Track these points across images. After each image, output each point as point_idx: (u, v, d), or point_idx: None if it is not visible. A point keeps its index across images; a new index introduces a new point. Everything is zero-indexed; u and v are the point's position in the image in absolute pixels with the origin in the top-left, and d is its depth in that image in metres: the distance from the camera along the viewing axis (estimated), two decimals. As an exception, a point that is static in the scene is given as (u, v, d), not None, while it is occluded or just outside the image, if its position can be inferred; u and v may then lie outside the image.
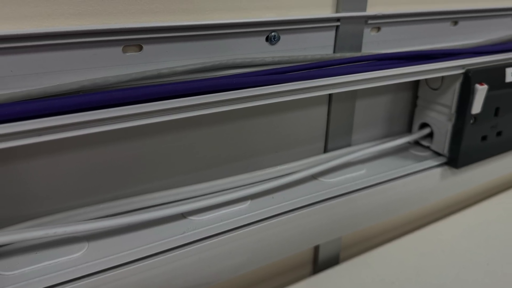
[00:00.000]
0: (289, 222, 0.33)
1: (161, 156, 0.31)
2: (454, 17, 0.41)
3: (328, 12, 0.34)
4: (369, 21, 0.35)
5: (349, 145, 0.41)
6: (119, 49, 0.26)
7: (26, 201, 0.27)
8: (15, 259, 0.26)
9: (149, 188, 0.32)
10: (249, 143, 0.35)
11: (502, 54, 0.40)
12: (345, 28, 0.34)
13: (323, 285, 0.40)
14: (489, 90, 0.38)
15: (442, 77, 0.39)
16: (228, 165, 0.35)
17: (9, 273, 0.25)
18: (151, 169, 0.31)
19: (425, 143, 0.43)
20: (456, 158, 0.41)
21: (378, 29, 0.37)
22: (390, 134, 0.45)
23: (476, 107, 0.39)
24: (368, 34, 0.36)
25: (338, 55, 0.34)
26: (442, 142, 0.41)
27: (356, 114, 0.40)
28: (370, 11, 0.36)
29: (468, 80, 0.38)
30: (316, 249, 0.44)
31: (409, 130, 0.45)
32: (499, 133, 0.43)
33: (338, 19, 0.34)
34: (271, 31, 0.31)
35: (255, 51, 0.31)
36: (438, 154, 0.42)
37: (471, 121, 0.39)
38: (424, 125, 0.43)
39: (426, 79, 0.42)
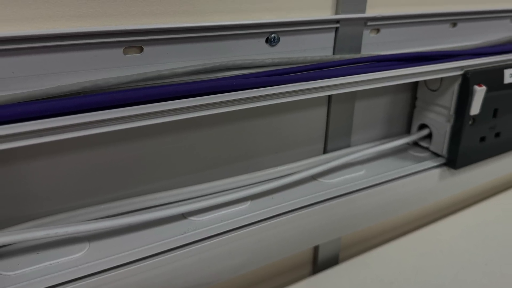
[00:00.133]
0: (288, 223, 0.33)
1: (162, 157, 0.31)
2: (453, 18, 0.41)
3: (328, 14, 0.35)
4: (369, 23, 0.36)
5: (348, 146, 0.42)
6: (119, 50, 0.26)
7: (27, 202, 0.27)
8: (16, 259, 0.26)
9: (149, 188, 0.32)
10: (249, 144, 0.35)
11: (500, 56, 0.40)
12: (345, 30, 0.35)
13: (322, 285, 0.40)
14: (487, 92, 0.38)
15: (441, 79, 0.40)
16: (228, 166, 0.35)
17: (10, 273, 0.25)
18: (151, 170, 0.31)
19: (424, 144, 0.44)
20: (454, 159, 0.41)
21: (378, 30, 0.37)
22: (389, 135, 0.45)
23: (475, 108, 0.39)
24: (368, 36, 0.36)
25: (338, 57, 0.34)
26: (441, 143, 0.41)
27: (356, 115, 0.41)
28: (370, 12, 0.36)
29: (467, 82, 0.38)
30: (316, 249, 0.44)
31: (408, 131, 0.46)
32: (497, 134, 0.43)
33: (337, 21, 0.34)
34: (271, 33, 0.31)
35: (255, 53, 0.31)
36: (437, 155, 0.43)
37: (470, 122, 0.40)
38: (423, 126, 0.43)
39: (425, 81, 0.42)
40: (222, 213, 0.32)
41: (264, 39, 0.31)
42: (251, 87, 0.28)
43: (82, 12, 0.25)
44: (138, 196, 0.31)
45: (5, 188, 0.26)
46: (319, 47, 0.34)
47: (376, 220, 0.40)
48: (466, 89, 0.38)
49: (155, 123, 0.25)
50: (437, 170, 0.41)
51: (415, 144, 0.45)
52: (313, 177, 0.38)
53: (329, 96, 0.38)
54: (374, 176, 0.38)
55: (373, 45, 0.37)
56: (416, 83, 0.43)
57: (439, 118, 0.41)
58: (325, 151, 0.40)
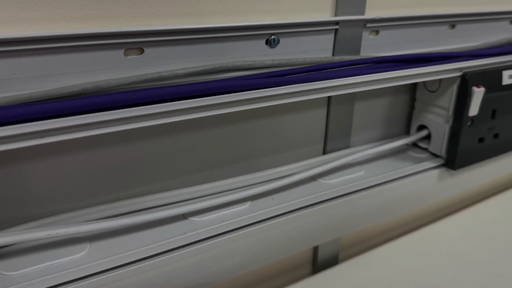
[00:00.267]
0: (288, 223, 0.33)
1: (162, 158, 0.32)
2: (452, 20, 0.41)
3: (327, 16, 0.35)
4: (368, 25, 0.36)
5: (347, 147, 0.42)
6: (120, 52, 0.26)
7: (28, 202, 0.28)
8: (18, 260, 0.26)
9: (150, 189, 0.32)
10: (249, 145, 0.35)
11: (499, 57, 0.40)
12: (344, 32, 0.35)
13: (322, 285, 0.40)
14: (486, 93, 0.39)
15: (440, 80, 0.40)
16: (228, 167, 0.35)
17: (12, 273, 0.25)
18: (152, 170, 0.31)
19: (423, 145, 0.44)
20: (453, 160, 0.41)
21: (377, 32, 0.37)
22: (388, 136, 0.45)
23: (473, 110, 0.39)
24: (367, 37, 0.37)
25: (337, 58, 0.34)
26: (440, 144, 0.41)
27: (355, 116, 0.41)
28: (369, 14, 0.36)
29: (465, 83, 0.38)
30: (315, 249, 0.45)
31: (407, 132, 0.46)
32: (496, 135, 0.43)
33: (337, 23, 0.34)
34: (271, 34, 0.32)
35: (255, 54, 0.31)
36: (435, 155, 0.43)
37: (468, 123, 0.40)
38: (422, 127, 0.43)
39: (424, 82, 0.42)
40: (222, 214, 0.32)
41: (264, 41, 0.32)
42: (251, 89, 0.28)
43: (83, 14, 0.25)
44: (139, 196, 0.31)
45: (6, 188, 0.27)
46: (319, 49, 0.34)
47: (375, 221, 0.40)
48: (464, 90, 0.38)
49: (156, 124, 0.25)
50: (436, 171, 0.42)
51: (414, 145, 0.45)
52: (313, 178, 0.38)
53: (329, 97, 0.38)
54: (374, 177, 0.38)
55: (372, 46, 0.37)
56: (415, 84, 0.43)
57: (438, 119, 0.41)
58: (324, 152, 0.40)
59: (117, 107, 0.24)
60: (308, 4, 0.33)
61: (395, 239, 0.47)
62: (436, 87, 0.41)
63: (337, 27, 0.34)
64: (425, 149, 0.44)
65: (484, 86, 0.38)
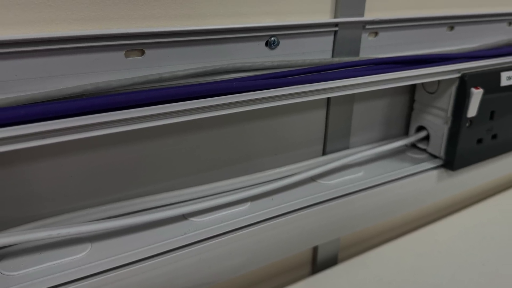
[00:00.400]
0: (288, 224, 0.33)
1: (163, 159, 0.32)
2: (450, 22, 0.42)
3: (327, 18, 0.35)
4: (367, 26, 0.36)
5: (347, 147, 0.42)
6: (121, 53, 0.27)
7: (30, 203, 0.28)
8: (19, 260, 0.26)
9: (151, 190, 0.32)
10: (249, 145, 0.35)
11: (497, 59, 0.41)
12: (343, 33, 0.35)
13: (321, 285, 0.41)
14: (484, 94, 0.39)
15: (439, 81, 0.40)
16: (228, 168, 0.35)
17: (13, 273, 0.25)
18: (152, 171, 0.32)
19: (421, 145, 0.44)
20: (452, 161, 0.41)
21: (376, 34, 0.37)
22: (388, 137, 0.45)
23: (472, 111, 0.39)
24: (366, 39, 0.37)
25: (337, 60, 0.34)
26: (439, 144, 0.42)
27: (354, 117, 0.41)
28: (368, 16, 0.36)
29: (464, 84, 0.38)
30: (315, 249, 0.45)
31: (406, 133, 0.46)
32: (494, 136, 0.43)
33: (336, 24, 0.34)
34: (271, 36, 0.32)
35: (255, 56, 0.32)
36: (434, 156, 0.43)
37: (467, 124, 0.40)
38: (420, 128, 0.44)
39: (422, 83, 0.42)
40: (222, 214, 0.32)
41: (264, 42, 0.32)
42: (251, 90, 0.28)
43: (84, 15, 0.26)
44: (140, 197, 0.31)
45: (8, 189, 0.27)
46: (318, 50, 0.35)
47: (374, 221, 0.40)
48: (463, 92, 0.38)
49: (156, 125, 0.25)
50: (435, 172, 0.42)
51: (413, 146, 0.45)
52: (312, 179, 0.38)
53: (328, 98, 0.38)
54: (373, 178, 0.38)
55: (372, 48, 0.37)
56: (414, 85, 0.44)
57: (436, 120, 0.41)
58: (324, 153, 0.41)
59: (118, 108, 0.24)
60: (308, 6, 0.33)
61: (394, 239, 0.48)
62: (435, 88, 0.41)
63: (336, 28, 0.35)
64: (424, 150, 0.44)
65: (482, 87, 0.39)
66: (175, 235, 0.29)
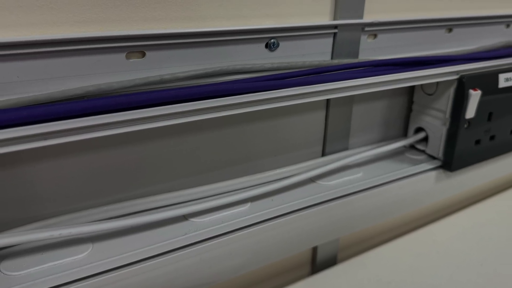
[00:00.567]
0: (288, 224, 0.34)
1: (163, 160, 0.32)
2: (449, 24, 0.42)
3: (326, 20, 0.35)
4: (366, 28, 0.36)
5: (346, 149, 0.42)
6: (122, 55, 0.27)
7: (32, 203, 0.28)
8: (21, 260, 0.26)
9: (151, 190, 0.32)
10: (249, 147, 0.36)
11: (495, 60, 0.41)
12: (343, 35, 0.35)
13: (321, 285, 0.41)
14: (482, 96, 0.39)
15: (437, 83, 0.40)
16: (228, 168, 0.35)
17: (15, 274, 0.25)
18: (153, 172, 0.32)
19: (420, 147, 0.44)
20: (450, 162, 0.41)
21: (375, 36, 0.38)
22: (386, 138, 0.45)
23: (470, 112, 0.39)
24: (365, 41, 0.37)
25: (336, 62, 0.34)
26: (437, 146, 0.42)
27: (353, 118, 0.41)
28: (367, 18, 0.36)
29: (462, 86, 0.38)
30: (314, 250, 0.45)
31: (404, 134, 0.46)
32: (492, 137, 0.43)
33: (335, 26, 0.35)
34: (271, 38, 0.32)
35: (254, 58, 0.32)
36: (433, 157, 0.43)
37: (465, 126, 0.40)
38: (419, 130, 0.44)
39: (421, 85, 0.42)
40: (222, 215, 0.32)
41: (263, 44, 0.32)
42: (251, 91, 0.28)
43: (85, 17, 0.26)
44: (140, 198, 0.31)
45: (10, 190, 0.27)
46: (318, 52, 0.35)
47: (373, 222, 0.41)
48: (461, 93, 0.39)
49: (157, 127, 0.26)
50: (433, 173, 0.42)
51: (412, 147, 0.45)
52: (312, 179, 0.38)
53: (327, 100, 0.38)
54: (372, 178, 0.39)
55: (371, 50, 0.38)
56: (413, 87, 0.44)
57: (435, 122, 0.42)
58: (323, 154, 0.41)
59: (119, 110, 0.24)
60: (307, 8, 0.34)
61: (393, 239, 0.48)
62: (433, 90, 0.41)
63: (335, 30, 0.35)
64: (423, 151, 0.44)
65: (480, 89, 0.39)
66: (175, 235, 0.29)
